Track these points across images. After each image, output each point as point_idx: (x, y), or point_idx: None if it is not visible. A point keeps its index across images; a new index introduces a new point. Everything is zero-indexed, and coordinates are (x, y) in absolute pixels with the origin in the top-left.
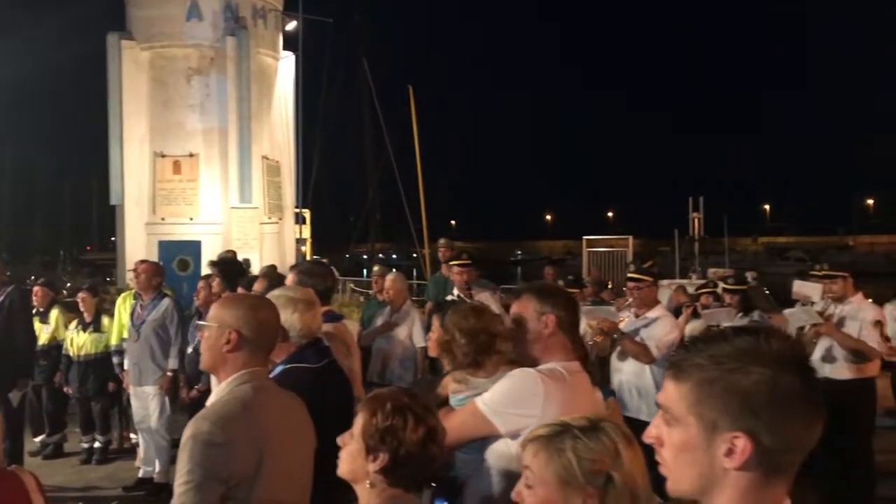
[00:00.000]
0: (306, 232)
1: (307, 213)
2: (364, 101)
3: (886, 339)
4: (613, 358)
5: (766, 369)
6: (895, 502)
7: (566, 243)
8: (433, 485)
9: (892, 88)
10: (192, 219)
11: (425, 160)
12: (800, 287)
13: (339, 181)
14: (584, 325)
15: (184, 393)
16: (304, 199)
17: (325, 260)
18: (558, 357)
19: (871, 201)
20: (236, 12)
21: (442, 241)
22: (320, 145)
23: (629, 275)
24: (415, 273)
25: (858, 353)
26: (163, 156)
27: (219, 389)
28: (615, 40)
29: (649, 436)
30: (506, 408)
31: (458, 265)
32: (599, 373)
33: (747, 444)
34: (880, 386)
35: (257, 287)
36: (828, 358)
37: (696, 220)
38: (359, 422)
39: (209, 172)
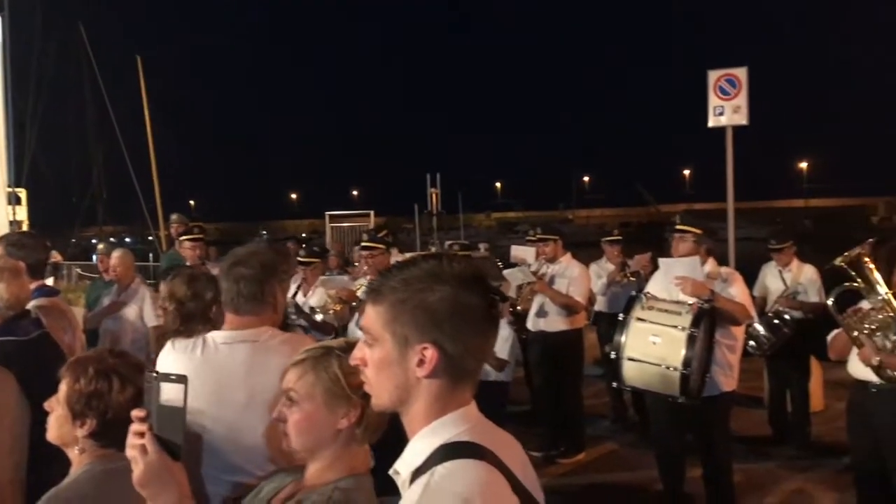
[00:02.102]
0: (22, 213)
1: (22, 193)
2: (84, 71)
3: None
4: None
5: (448, 287)
6: (600, 440)
7: (312, 222)
8: None
9: (595, 76)
10: None
11: (162, 138)
12: (517, 251)
13: (61, 158)
14: (323, 295)
15: None
16: (17, 176)
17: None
18: None
19: (587, 179)
20: None
21: (174, 216)
22: (36, 117)
23: (362, 244)
24: (151, 257)
25: (567, 307)
26: None
27: None
28: (348, 23)
29: (355, 358)
30: None
31: (190, 239)
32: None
33: (434, 353)
34: (589, 338)
35: None
36: (541, 313)
37: (434, 196)
38: (62, 387)
39: None
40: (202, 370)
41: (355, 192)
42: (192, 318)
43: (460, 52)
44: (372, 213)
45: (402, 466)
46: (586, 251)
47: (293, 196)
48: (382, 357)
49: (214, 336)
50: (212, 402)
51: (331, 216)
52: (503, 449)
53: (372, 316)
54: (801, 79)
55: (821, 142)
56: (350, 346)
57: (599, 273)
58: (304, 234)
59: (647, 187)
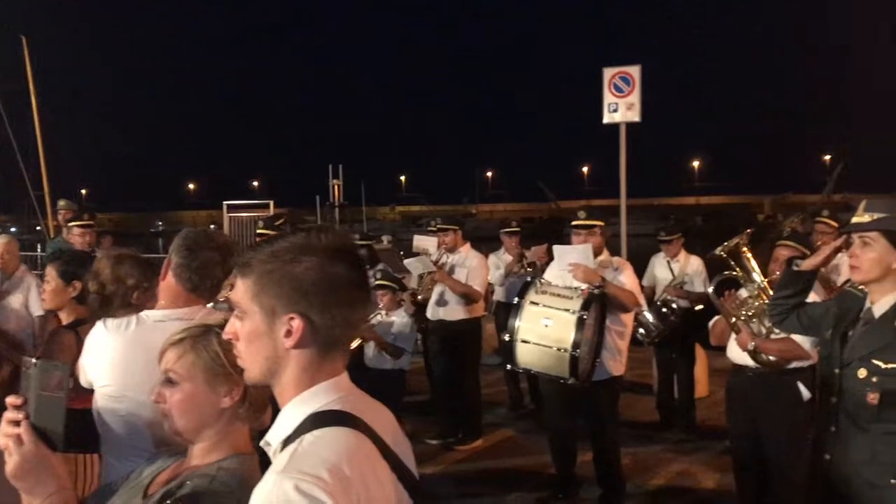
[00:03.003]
0: None
1: None
2: None
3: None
4: None
5: (315, 258)
6: (497, 427)
7: (210, 213)
8: None
9: (502, 73)
10: None
11: (55, 125)
12: (419, 241)
13: None
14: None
15: None
16: None
17: None
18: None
19: (490, 174)
20: None
21: (62, 202)
22: None
23: (258, 231)
24: (39, 248)
25: (466, 297)
26: None
27: None
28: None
29: (227, 332)
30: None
31: (79, 226)
32: None
33: (301, 323)
34: (488, 328)
35: None
36: (441, 302)
37: (336, 188)
38: None
39: None
40: (134, 348)
41: (256, 184)
42: (109, 303)
43: (368, 45)
44: (272, 203)
45: (273, 437)
46: (489, 245)
47: (191, 186)
48: (251, 329)
49: (150, 314)
50: (144, 381)
51: (229, 206)
52: (374, 418)
53: (241, 289)
54: (696, 81)
55: (712, 142)
56: None
57: (498, 264)
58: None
59: (548, 184)
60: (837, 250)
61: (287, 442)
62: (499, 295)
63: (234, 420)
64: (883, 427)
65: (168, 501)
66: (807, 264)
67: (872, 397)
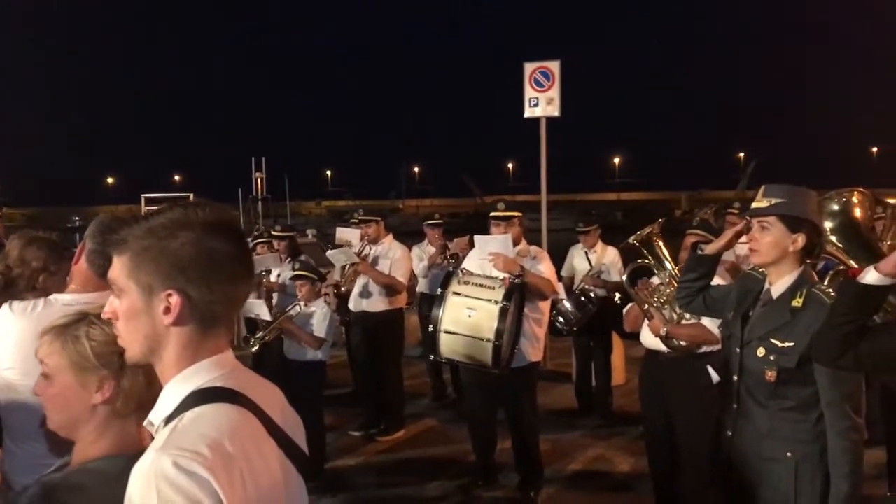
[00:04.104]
0: None
1: None
2: None
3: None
4: None
5: (192, 233)
6: (419, 417)
7: (130, 208)
8: None
9: (431, 67)
10: None
11: None
12: (341, 232)
13: None
14: None
15: None
16: None
17: None
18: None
19: (417, 169)
20: None
21: None
22: None
23: None
24: None
25: (389, 288)
26: None
27: None
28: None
29: (106, 312)
30: None
31: None
32: None
33: (179, 299)
34: (412, 320)
35: None
36: (364, 293)
37: (259, 180)
38: None
39: None
40: (38, 331)
41: (178, 178)
42: (14, 285)
43: (296, 39)
44: (191, 196)
45: (155, 415)
46: (416, 240)
47: (110, 181)
48: (129, 307)
49: (59, 297)
50: None
51: (147, 199)
52: (260, 394)
53: (117, 266)
54: (618, 79)
55: (632, 139)
56: None
57: (421, 256)
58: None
59: (474, 179)
60: (739, 234)
61: (169, 420)
62: (422, 286)
63: (112, 417)
64: (780, 403)
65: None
66: (710, 248)
67: (770, 375)
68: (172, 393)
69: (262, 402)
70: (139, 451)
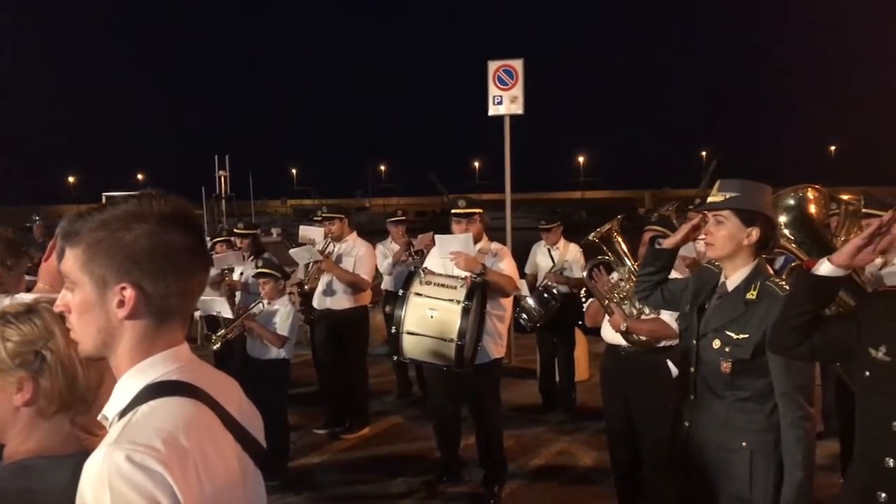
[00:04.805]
0: None
1: None
2: None
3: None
4: None
5: (146, 225)
6: (384, 415)
7: (91, 207)
8: None
9: (396, 66)
10: None
11: None
12: (304, 230)
13: None
14: None
15: None
16: None
17: None
18: None
19: (383, 168)
20: None
21: None
22: None
23: None
24: None
25: (353, 285)
26: None
27: None
28: None
29: (58, 305)
30: None
31: None
32: None
33: (133, 293)
34: (377, 319)
35: None
36: (328, 291)
37: (223, 179)
38: None
39: None
40: None
41: (141, 176)
42: None
43: (261, 40)
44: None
45: (109, 410)
46: (382, 238)
47: (70, 179)
48: (82, 300)
49: (23, 295)
50: None
51: (108, 198)
52: (217, 388)
53: (70, 259)
54: (584, 80)
55: (598, 138)
56: (27, 308)
57: (385, 253)
58: None
59: (440, 177)
60: (696, 228)
61: (123, 414)
62: (387, 284)
63: (38, 418)
64: (735, 394)
65: None
66: (667, 242)
67: (726, 366)
68: (126, 386)
69: (219, 396)
70: (64, 453)
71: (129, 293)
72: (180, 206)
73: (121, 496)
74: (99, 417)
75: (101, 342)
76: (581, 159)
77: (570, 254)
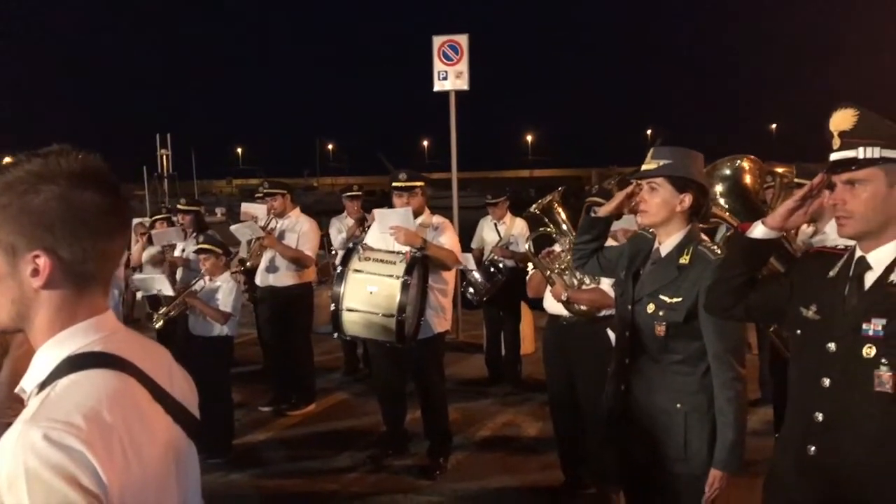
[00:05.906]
0: None
1: None
2: None
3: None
4: None
5: (56, 186)
6: (330, 391)
7: None
8: None
9: (345, 42)
10: None
11: None
12: (246, 207)
13: None
14: None
15: None
16: None
17: None
18: None
19: (331, 147)
20: None
21: None
22: None
23: None
24: None
25: (297, 262)
26: None
27: None
28: None
29: None
30: None
31: None
32: None
33: (47, 260)
34: (324, 297)
35: None
36: (271, 268)
37: (165, 158)
38: None
39: None
40: None
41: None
42: None
43: (211, 16)
44: None
45: (27, 383)
46: (330, 218)
47: (7, 160)
48: None
49: None
50: None
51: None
52: (145, 357)
53: None
54: (529, 59)
55: (545, 117)
56: None
57: (340, 228)
58: None
59: (390, 156)
60: (630, 196)
61: (42, 388)
62: (341, 259)
63: None
64: (669, 357)
65: None
66: (603, 210)
67: (660, 329)
68: (45, 358)
69: (147, 366)
70: None
71: (42, 261)
72: (92, 162)
73: (37, 477)
74: (16, 390)
75: (17, 314)
76: (529, 138)
77: (517, 228)
